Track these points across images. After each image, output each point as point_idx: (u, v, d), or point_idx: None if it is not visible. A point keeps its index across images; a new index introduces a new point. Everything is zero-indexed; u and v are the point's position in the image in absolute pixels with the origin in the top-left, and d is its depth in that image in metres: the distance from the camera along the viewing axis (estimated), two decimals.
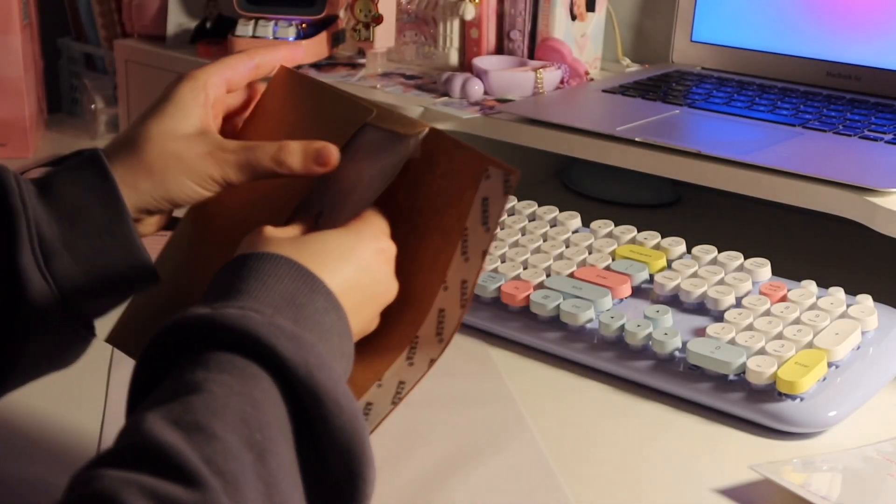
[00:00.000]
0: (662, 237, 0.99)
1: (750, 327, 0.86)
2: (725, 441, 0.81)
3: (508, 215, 1.06)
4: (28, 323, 0.70)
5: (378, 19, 1.31)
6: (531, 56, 1.30)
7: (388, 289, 0.70)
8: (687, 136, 1.10)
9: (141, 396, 0.58)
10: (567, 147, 1.11)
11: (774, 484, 0.72)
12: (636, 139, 1.05)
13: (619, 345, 0.89)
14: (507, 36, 1.31)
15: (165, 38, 1.45)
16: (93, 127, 1.50)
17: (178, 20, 1.46)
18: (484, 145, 1.20)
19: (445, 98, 1.22)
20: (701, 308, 0.91)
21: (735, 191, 1.01)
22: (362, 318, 0.68)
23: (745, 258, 0.95)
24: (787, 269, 0.95)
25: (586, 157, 1.09)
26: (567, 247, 1.00)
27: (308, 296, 0.63)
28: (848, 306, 0.88)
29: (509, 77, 1.22)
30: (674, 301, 0.92)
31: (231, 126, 0.83)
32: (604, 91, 1.22)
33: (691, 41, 1.30)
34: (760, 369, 0.81)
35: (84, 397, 0.84)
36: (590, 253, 0.99)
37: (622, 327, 0.88)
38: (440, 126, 1.18)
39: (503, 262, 0.98)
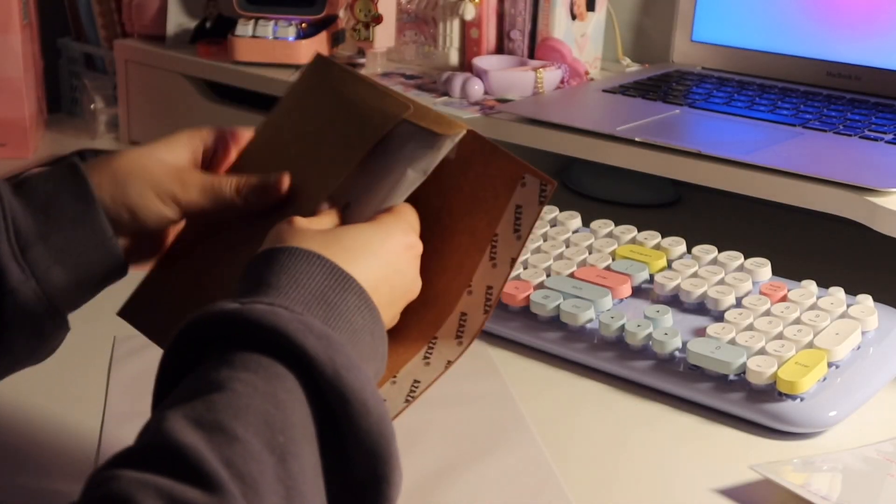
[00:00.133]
0: (662, 237, 0.99)
1: (750, 327, 0.86)
2: (725, 441, 0.81)
3: None
4: (7, 313, 0.71)
5: (378, 19, 1.31)
6: (531, 56, 1.30)
7: (414, 286, 0.70)
8: (687, 136, 1.10)
9: (167, 389, 0.58)
10: (567, 147, 1.11)
11: (774, 484, 0.72)
12: (636, 139, 1.05)
13: (619, 345, 0.89)
14: (507, 36, 1.31)
15: (165, 38, 1.45)
16: (93, 127, 1.50)
17: (177, 20, 1.46)
18: None
19: (445, 98, 1.22)
20: (701, 308, 0.91)
21: (735, 191, 1.01)
22: (389, 314, 0.68)
23: (745, 258, 0.95)
24: (787, 269, 0.95)
25: (586, 157, 1.09)
26: (567, 247, 1.00)
27: (340, 294, 0.62)
28: (848, 306, 0.88)
29: (509, 77, 1.22)
30: (674, 301, 0.92)
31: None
32: (604, 91, 1.22)
33: (691, 41, 1.30)
34: (760, 369, 0.81)
35: (84, 396, 0.84)
36: (590, 253, 0.99)
37: (622, 327, 0.88)
38: None
39: None
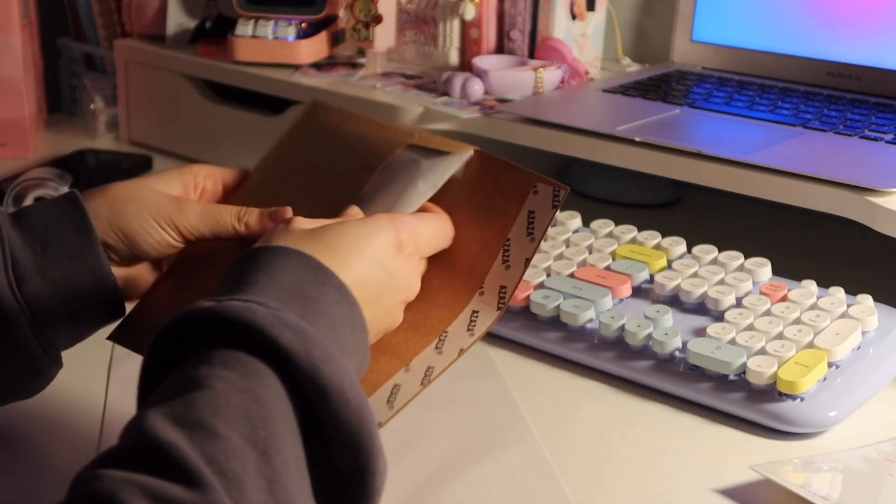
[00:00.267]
0: (662, 237, 0.99)
1: (750, 327, 0.86)
2: (725, 441, 0.81)
3: None
4: (0, 345, 0.71)
5: (378, 19, 1.31)
6: (531, 56, 1.30)
7: (407, 285, 0.70)
8: (687, 136, 1.10)
9: (150, 390, 0.58)
10: (567, 147, 1.11)
11: (775, 484, 0.72)
12: (636, 139, 1.05)
13: (619, 345, 0.89)
14: (507, 36, 1.31)
15: (165, 37, 1.45)
16: (92, 127, 1.50)
17: (177, 20, 1.46)
18: (484, 145, 1.20)
19: (445, 98, 1.22)
20: (701, 308, 0.91)
21: (735, 191, 1.01)
22: (379, 311, 0.68)
23: (746, 258, 0.95)
24: (787, 269, 0.95)
25: (586, 157, 1.09)
26: (567, 247, 1.00)
27: (318, 288, 0.63)
28: (848, 306, 0.88)
29: (509, 77, 1.22)
30: (674, 301, 0.92)
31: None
32: (604, 91, 1.22)
33: (691, 41, 1.30)
34: (761, 369, 0.81)
35: (84, 398, 0.84)
36: (590, 253, 0.99)
37: (622, 327, 0.88)
38: (440, 126, 1.18)
39: None
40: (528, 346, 0.93)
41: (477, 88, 1.21)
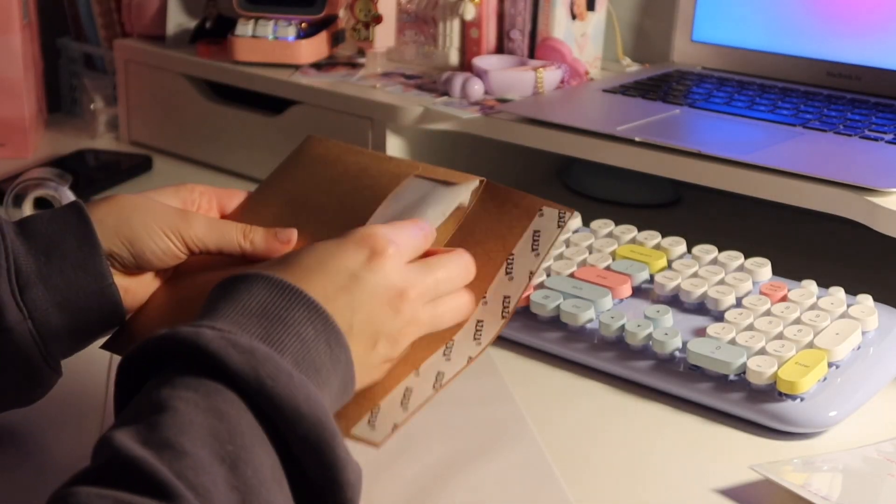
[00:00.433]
0: (662, 237, 0.99)
1: (750, 327, 0.86)
2: (725, 441, 0.81)
3: None
4: (1, 352, 0.71)
5: (378, 19, 1.31)
6: (531, 56, 1.30)
7: (387, 286, 0.68)
8: (687, 136, 1.10)
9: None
10: (567, 147, 1.11)
11: (775, 484, 0.72)
12: (636, 139, 1.05)
13: (619, 345, 0.89)
14: (507, 36, 1.31)
15: (165, 37, 1.45)
16: (92, 127, 1.50)
17: (177, 20, 1.46)
18: (484, 145, 1.21)
19: (445, 98, 1.22)
20: (701, 308, 0.91)
21: (735, 191, 1.01)
22: (360, 319, 0.66)
23: (746, 258, 0.95)
24: (787, 269, 0.95)
25: (586, 157, 1.09)
26: (567, 247, 1.00)
27: (285, 307, 0.63)
28: (848, 306, 0.88)
29: (509, 77, 1.22)
30: (674, 301, 0.92)
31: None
32: (604, 91, 1.22)
33: (691, 41, 1.30)
34: (761, 369, 0.81)
35: (83, 400, 0.84)
36: (590, 253, 0.99)
37: (622, 327, 0.88)
38: (440, 126, 1.18)
39: None
40: (528, 346, 0.93)
41: (477, 88, 1.21)
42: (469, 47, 1.32)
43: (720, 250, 0.96)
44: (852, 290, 0.91)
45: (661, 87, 1.22)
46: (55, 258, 0.73)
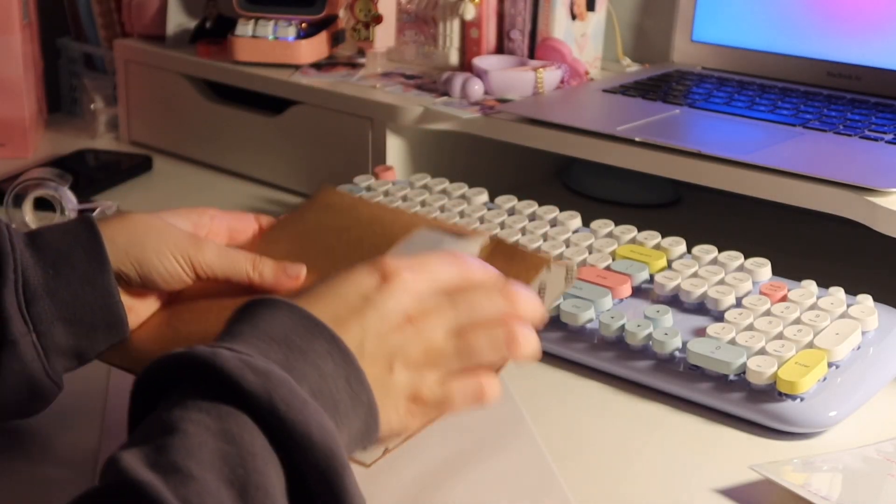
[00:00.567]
0: (662, 237, 0.99)
1: (750, 327, 0.86)
2: (725, 441, 0.81)
3: (508, 215, 1.06)
4: (3, 364, 0.72)
5: (378, 19, 1.31)
6: (531, 56, 1.30)
7: (402, 307, 0.66)
8: (687, 136, 1.10)
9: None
10: (567, 147, 1.11)
11: (774, 484, 0.72)
12: (636, 139, 1.05)
13: (619, 345, 0.89)
14: (507, 36, 1.31)
15: (165, 37, 1.45)
16: (92, 127, 1.50)
17: (177, 20, 1.46)
18: (484, 145, 1.21)
19: (445, 98, 1.22)
20: (701, 308, 0.91)
21: (735, 191, 1.01)
22: (372, 342, 0.64)
23: (745, 258, 0.95)
24: (787, 269, 0.95)
25: (586, 157, 1.09)
26: (567, 247, 1.00)
27: (305, 338, 0.62)
28: (848, 306, 0.88)
29: (509, 77, 1.22)
30: (674, 301, 0.92)
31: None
32: (604, 91, 1.22)
33: (691, 41, 1.30)
34: (761, 369, 0.81)
35: (84, 402, 0.84)
36: (590, 253, 0.99)
37: (622, 327, 0.88)
38: (440, 126, 1.18)
39: None
40: None
41: (477, 88, 1.21)
42: (469, 47, 1.32)
43: (720, 250, 0.96)
44: (852, 290, 0.91)
45: (661, 87, 1.22)
46: (63, 272, 0.74)
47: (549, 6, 1.28)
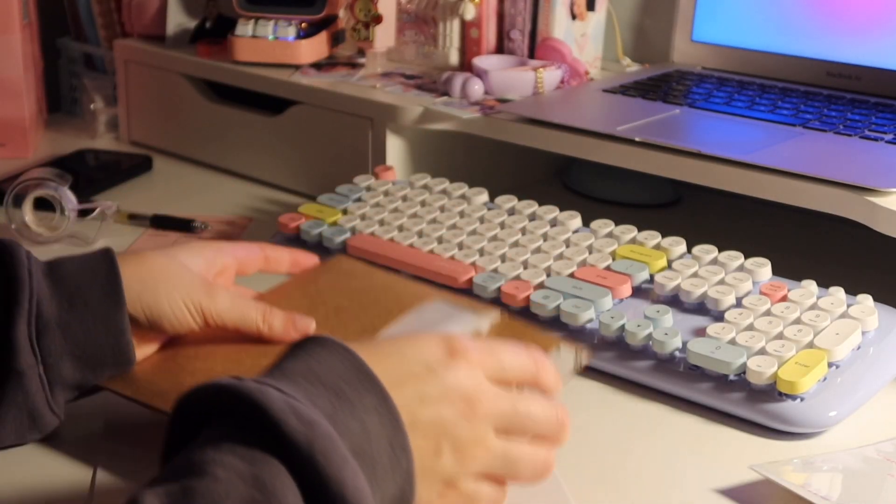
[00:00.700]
0: (662, 237, 0.99)
1: (750, 327, 0.86)
2: (725, 441, 0.81)
3: (508, 215, 1.06)
4: (7, 392, 0.72)
5: (378, 19, 1.31)
6: (531, 56, 1.30)
7: (463, 389, 0.63)
8: (687, 136, 1.10)
9: (171, 455, 0.57)
10: (567, 147, 1.11)
11: (774, 484, 0.72)
12: (636, 139, 1.05)
13: (619, 345, 0.89)
14: (507, 36, 1.31)
15: (165, 37, 1.45)
16: (92, 127, 1.50)
17: (177, 20, 1.46)
18: (484, 145, 1.21)
19: (445, 98, 1.22)
20: (701, 308, 0.91)
21: (735, 191, 1.01)
22: (427, 416, 0.63)
23: (746, 258, 0.95)
24: (787, 269, 0.95)
25: (586, 157, 1.09)
26: (567, 247, 1.00)
27: (357, 390, 0.60)
28: (848, 306, 0.88)
29: (509, 77, 1.22)
30: (674, 301, 0.92)
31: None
32: (604, 91, 1.22)
33: (691, 41, 1.30)
34: (761, 369, 0.81)
35: (85, 400, 0.83)
36: (590, 253, 0.99)
37: (622, 327, 0.88)
38: (440, 126, 1.18)
39: (503, 262, 0.98)
40: None
41: (477, 88, 1.21)
42: (469, 47, 1.32)
43: (720, 250, 0.96)
44: (852, 290, 0.91)
45: (661, 87, 1.22)
46: (78, 306, 0.74)
47: (549, 6, 1.28)
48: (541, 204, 1.06)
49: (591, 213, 1.06)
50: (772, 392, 0.81)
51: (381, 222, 1.07)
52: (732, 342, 0.85)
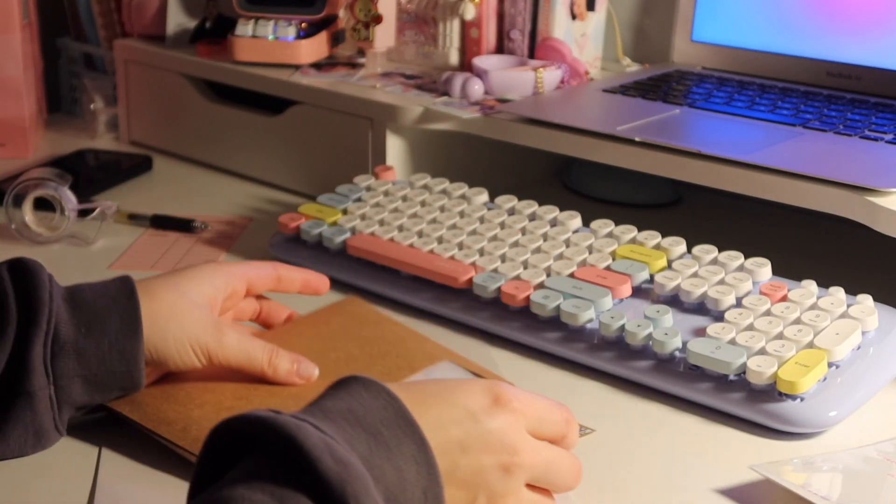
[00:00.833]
0: (662, 237, 0.99)
1: (750, 327, 0.86)
2: (725, 441, 0.81)
3: (508, 215, 1.06)
4: (16, 411, 0.73)
5: (378, 19, 1.31)
6: (531, 56, 1.30)
7: (505, 443, 0.64)
8: (687, 136, 1.10)
9: (201, 481, 0.57)
10: (567, 147, 1.11)
11: (775, 484, 0.72)
12: (636, 139, 1.05)
13: (619, 345, 0.89)
14: (507, 36, 1.31)
15: (165, 37, 1.45)
16: (92, 127, 1.50)
17: (177, 20, 1.46)
18: (484, 145, 1.21)
19: (445, 98, 1.22)
20: (701, 308, 0.91)
21: (735, 191, 1.01)
22: (465, 463, 0.63)
23: (746, 258, 0.95)
24: (787, 269, 0.95)
25: (586, 157, 1.09)
26: (567, 247, 1.00)
27: (396, 436, 0.59)
28: (848, 306, 0.88)
29: (509, 77, 1.22)
30: (674, 301, 0.92)
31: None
32: (604, 91, 1.22)
33: (691, 41, 1.30)
34: (761, 369, 0.81)
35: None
36: (590, 253, 0.99)
37: (622, 327, 0.88)
38: (440, 126, 1.18)
39: (503, 262, 0.98)
40: (528, 346, 0.93)
41: (477, 88, 1.21)
42: (469, 47, 1.32)
43: (720, 250, 0.96)
44: (852, 290, 0.91)
45: (661, 87, 1.22)
46: (95, 333, 0.75)
47: (549, 6, 1.28)
48: (541, 204, 1.06)
49: (591, 213, 1.06)
50: (772, 392, 0.81)
51: (381, 222, 1.07)
52: (732, 342, 0.85)
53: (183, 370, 0.80)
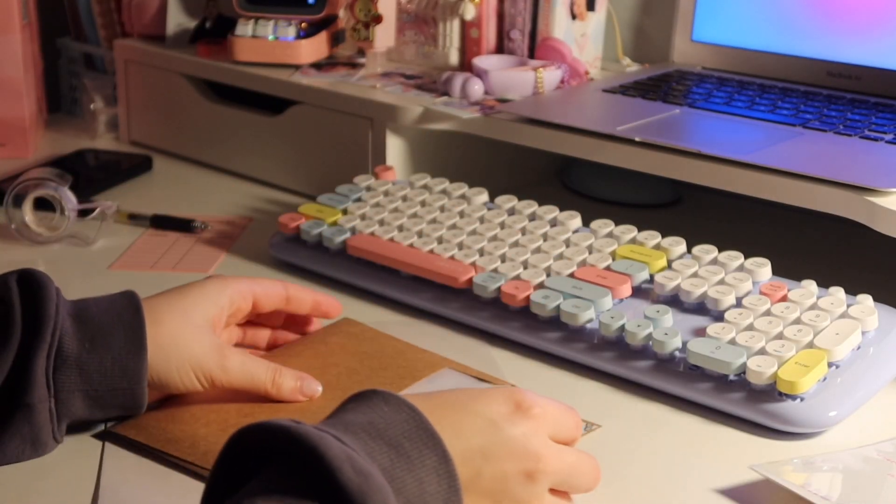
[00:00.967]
0: (662, 237, 0.99)
1: (750, 327, 0.86)
2: (725, 441, 0.81)
3: (508, 215, 1.06)
4: (15, 422, 0.73)
5: (378, 19, 1.31)
6: (531, 56, 1.30)
7: (529, 450, 0.64)
8: (687, 136, 1.10)
9: (216, 489, 0.57)
10: (567, 147, 1.11)
11: (774, 484, 0.72)
12: (636, 139, 1.05)
13: (619, 345, 0.89)
14: (507, 36, 1.31)
15: (165, 37, 1.45)
16: (92, 127, 1.50)
17: (177, 20, 1.46)
18: (484, 145, 1.21)
19: (445, 98, 1.22)
20: (701, 308, 0.91)
21: (735, 191, 1.01)
22: (488, 470, 0.63)
23: (746, 258, 0.95)
24: (787, 269, 0.95)
25: (586, 157, 1.09)
26: (567, 247, 1.00)
27: (418, 448, 0.59)
28: (848, 306, 0.88)
29: (509, 77, 1.22)
30: (674, 301, 0.92)
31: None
32: (604, 91, 1.22)
33: (691, 41, 1.30)
34: (761, 369, 0.81)
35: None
36: (590, 253, 0.98)
37: (622, 327, 0.88)
38: (440, 126, 1.18)
39: (503, 262, 0.98)
40: (528, 346, 0.93)
41: (477, 88, 1.21)
42: (469, 47, 1.32)
43: (720, 250, 0.96)
44: (852, 290, 0.91)
45: (661, 87, 1.22)
46: (99, 349, 0.75)
47: (549, 6, 1.28)
48: (541, 204, 1.06)
49: (591, 213, 1.06)
50: (772, 392, 0.81)
51: (381, 222, 1.07)
52: (732, 342, 0.85)
53: (183, 392, 0.80)
